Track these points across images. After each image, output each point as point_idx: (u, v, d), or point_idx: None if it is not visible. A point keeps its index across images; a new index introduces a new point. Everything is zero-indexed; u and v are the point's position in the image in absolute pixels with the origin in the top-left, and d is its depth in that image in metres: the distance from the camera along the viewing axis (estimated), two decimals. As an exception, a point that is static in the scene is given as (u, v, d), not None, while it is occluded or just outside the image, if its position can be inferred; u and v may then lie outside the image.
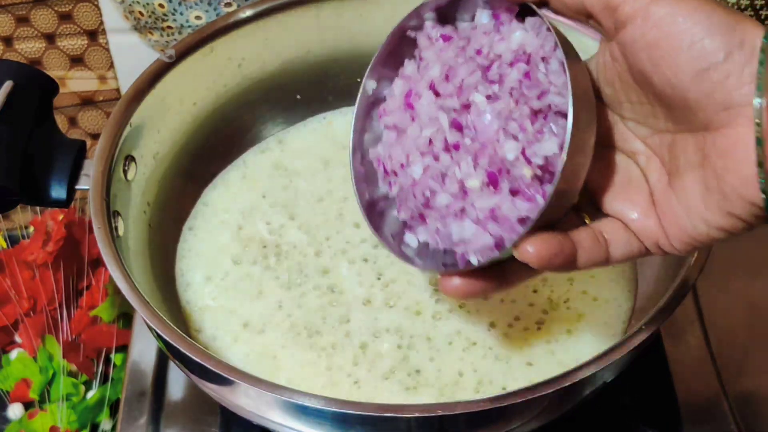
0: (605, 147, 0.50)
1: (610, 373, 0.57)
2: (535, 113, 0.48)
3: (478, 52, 0.50)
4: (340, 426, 0.54)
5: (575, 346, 0.64)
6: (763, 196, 0.42)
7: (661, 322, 0.56)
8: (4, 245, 0.88)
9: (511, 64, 0.49)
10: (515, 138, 0.47)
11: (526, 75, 0.48)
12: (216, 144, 0.75)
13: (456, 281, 0.51)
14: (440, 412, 0.52)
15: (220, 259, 0.69)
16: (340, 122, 0.77)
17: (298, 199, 0.73)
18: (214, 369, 0.54)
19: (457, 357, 0.63)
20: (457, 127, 0.50)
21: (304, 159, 0.75)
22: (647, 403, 0.71)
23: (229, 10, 0.80)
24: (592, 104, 0.48)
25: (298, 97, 0.78)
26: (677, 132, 0.46)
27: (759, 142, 0.41)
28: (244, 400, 0.56)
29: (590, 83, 0.48)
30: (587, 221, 0.50)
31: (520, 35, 0.49)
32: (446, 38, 0.52)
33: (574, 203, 0.49)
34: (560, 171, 0.45)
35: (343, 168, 0.74)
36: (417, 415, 0.52)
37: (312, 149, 0.76)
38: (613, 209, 0.50)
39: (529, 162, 0.47)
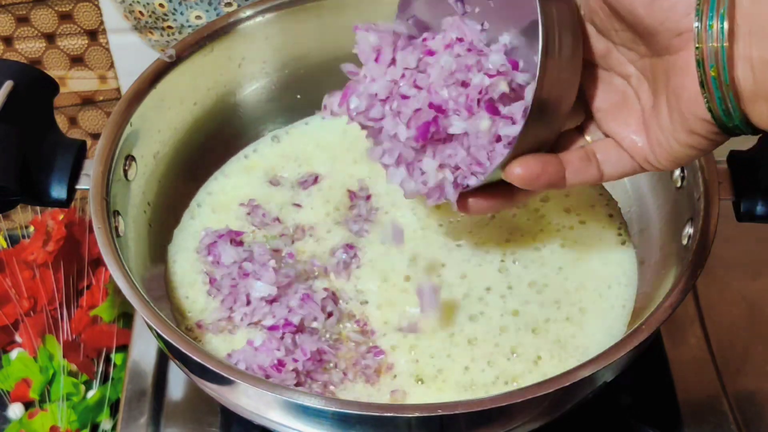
0: (606, 70, 0.54)
1: (610, 373, 0.57)
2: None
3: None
4: (340, 426, 0.54)
5: (576, 346, 0.64)
6: (709, 113, 0.46)
7: (661, 322, 0.56)
8: (4, 245, 0.88)
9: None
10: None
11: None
12: (216, 144, 0.75)
13: (470, 200, 0.56)
14: (440, 412, 0.52)
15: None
16: (339, 121, 0.77)
17: (298, 197, 0.72)
18: (214, 369, 0.54)
19: (465, 352, 0.63)
20: (439, 110, 0.55)
21: (304, 158, 0.75)
22: (647, 403, 0.71)
23: (229, 10, 0.80)
24: (571, 33, 0.51)
25: (298, 96, 0.78)
26: (653, 56, 0.50)
27: (699, 64, 0.45)
28: (244, 400, 0.56)
29: (574, 14, 0.52)
30: (588, 141, 0.55)
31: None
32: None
33: (561, 126, 0.54)
34: (535, 88, 0.50)
35: (344, 167, 0.74)
36: (417, 414, 0.52)
37: (312, 148, 0.76)
38: (610, 129, 0.54)
39: (495, 74, 0.54)
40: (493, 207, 0.57)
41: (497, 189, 0.56)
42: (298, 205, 0.72)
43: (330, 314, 0.64)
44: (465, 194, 0.57)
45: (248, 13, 0.72)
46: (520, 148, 0.52)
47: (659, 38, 0.47)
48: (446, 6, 0.58)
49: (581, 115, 0.55)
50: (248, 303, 0.65)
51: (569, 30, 0.51)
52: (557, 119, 0.53)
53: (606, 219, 0.71)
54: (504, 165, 0.52)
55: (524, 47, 0.55)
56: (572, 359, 0.62)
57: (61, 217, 0.85)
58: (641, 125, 0.52)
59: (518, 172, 0.52)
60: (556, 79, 0.51)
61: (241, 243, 0.68)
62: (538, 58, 0.49)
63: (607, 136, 0.54)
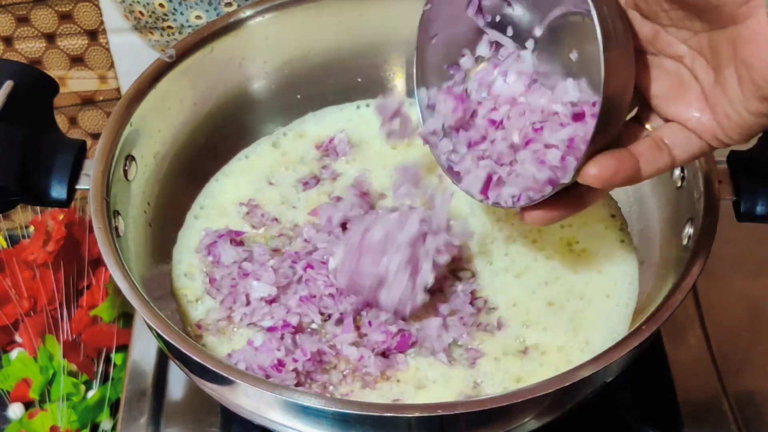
0: (654, 55, 0.53)
1: (610, 372, 0.57)
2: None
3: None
4: (340, 426, 0.54)
5: (579, 343, 0.64)
6: None
7: (661, 322, 0.56)
8: (5, 245, 0.88)
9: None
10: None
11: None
12: (216, 143, 0.75)
13: (537, 212, 0.56)
14: (440, 412, 0.52)
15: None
16: (338, 119, 0.77)
17: (297, 197, 0.73)
18: (214, 369, 0.54)
19: (473, 351, 0.63)
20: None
21: (304, 158, 0.75)
22: (647, 403, 0.71)
23: (229, 10, 0.80)
24: (620, 20, 0.51)
25: (298, 96, 0.78)
26: (712, 30, 0.49)
27: None
28: (244, 400, 0.56)
29: (617, 8, 0.51)
30: (650, 130, 0.53)
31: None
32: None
33: (625, 117, 0.53)
34: (603, 83, 0.49)
35: (341, 164, 0.74)
36: (417, 414, 0.52)
37: (312, 147, 0.76)
38: (671, 113, 0.52)
39: None
40: (562, 215, 0.56)
41: (563, 195, 0.55)
42: (296, 207, 0.72)
43: (329, 316, 0.64)
44: (532, 207, 0.56)
45: (248, 13, 0.72)
46: (593, 149, 0.51)
47: (723, 10, 0.46)
48: (469, 20, 0.58)
49: (634, 106, 0.54)
50: (248, 303, 0.65)
51: (618, 17, 0.51)
52: (623, 112, 0.52)
53: (608, 219, 0.71)
54: (578, 169, 0.52)
55: (546, 53, 0.56)
56: (575, 356, 0.63)
57: (61, 217, 0.85)
58: (704, 102, 0.51)
59: (594, 172, 0.51)
60: (617, 70, 0.50)
61: (241, 243, 0.68)
62: (600, 53, 0.48)
63: (668, 120, 0.53)
